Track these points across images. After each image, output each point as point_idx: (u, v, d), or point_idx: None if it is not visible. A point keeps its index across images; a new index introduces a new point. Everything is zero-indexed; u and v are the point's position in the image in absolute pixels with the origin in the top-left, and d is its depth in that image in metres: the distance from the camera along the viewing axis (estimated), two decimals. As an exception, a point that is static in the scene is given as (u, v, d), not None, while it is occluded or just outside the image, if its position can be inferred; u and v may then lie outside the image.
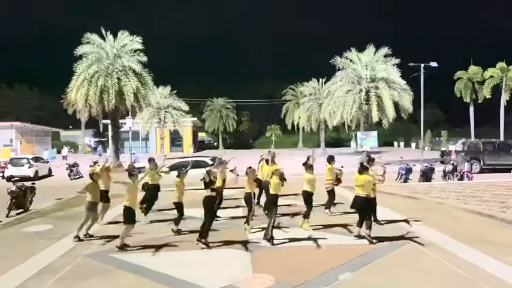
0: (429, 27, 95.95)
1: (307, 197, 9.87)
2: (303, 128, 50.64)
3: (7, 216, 12.07)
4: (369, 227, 8.63)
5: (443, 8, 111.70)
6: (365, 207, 8.73)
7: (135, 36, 27.87)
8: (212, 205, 8.65)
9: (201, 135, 71.15)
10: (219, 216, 10.56)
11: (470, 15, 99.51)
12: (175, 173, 10.51)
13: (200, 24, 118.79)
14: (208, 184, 8.56)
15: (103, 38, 27.91)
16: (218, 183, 9.42)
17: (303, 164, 10.42)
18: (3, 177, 24.13)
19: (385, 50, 28.83)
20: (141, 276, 6.91)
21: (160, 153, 39.18)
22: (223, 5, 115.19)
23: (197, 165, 16.40)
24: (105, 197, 10.42)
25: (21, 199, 12.90)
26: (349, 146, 52.76)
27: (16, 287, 6.59)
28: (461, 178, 19.34)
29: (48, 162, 27.49)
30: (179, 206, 9.63)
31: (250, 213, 9.86)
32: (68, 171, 24.86)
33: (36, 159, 25.88)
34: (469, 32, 78.36)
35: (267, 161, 12.16)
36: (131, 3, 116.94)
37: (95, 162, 26.66)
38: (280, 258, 7.81)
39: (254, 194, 9.84)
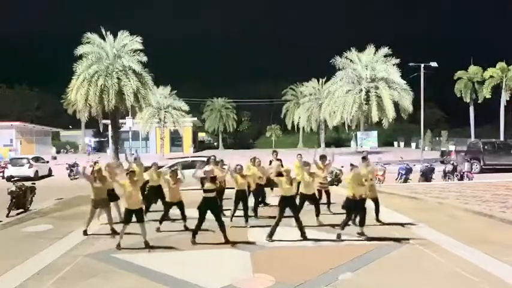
0: (429, 27, 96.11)
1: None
2: (303, 128, 50.64)
3: (7, 216, 12.05)
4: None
5: (443, 8, 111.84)
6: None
7: (135, 36, 27.92)
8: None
9: (201, 135, 71.12)
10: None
11: (470, 15, 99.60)
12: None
13: (200, 24, 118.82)
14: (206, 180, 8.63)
15: (103, 38, 27.93)
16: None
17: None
18: (3, 177, 24.14)
19: (385, 50, 28.89)
20: (141, 276, 6.89)
21: (161, 153, 39.17)
22: (223, 5, 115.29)
23: (193, 165, 16.44)
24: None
25: (21, 199, 12.88)
26: (349, 146, 52.75)
27: (16, 287, 6.57)
28: (461, 178, 19.33)
29: (48, 162, 27.49)
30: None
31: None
32: (68, 171, 24.87)
33: (37, 159, 25.88)
34: (469, 32, 78.47)
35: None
36: (131, 3, 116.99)
37: (95, 162, 26.89)
38: (280, 258, 7.80)
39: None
